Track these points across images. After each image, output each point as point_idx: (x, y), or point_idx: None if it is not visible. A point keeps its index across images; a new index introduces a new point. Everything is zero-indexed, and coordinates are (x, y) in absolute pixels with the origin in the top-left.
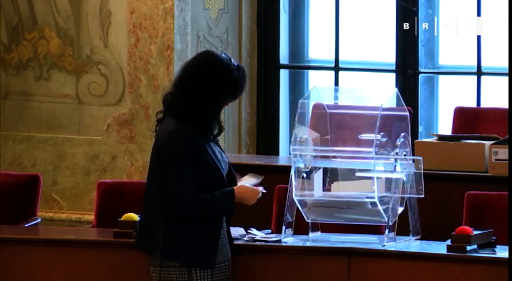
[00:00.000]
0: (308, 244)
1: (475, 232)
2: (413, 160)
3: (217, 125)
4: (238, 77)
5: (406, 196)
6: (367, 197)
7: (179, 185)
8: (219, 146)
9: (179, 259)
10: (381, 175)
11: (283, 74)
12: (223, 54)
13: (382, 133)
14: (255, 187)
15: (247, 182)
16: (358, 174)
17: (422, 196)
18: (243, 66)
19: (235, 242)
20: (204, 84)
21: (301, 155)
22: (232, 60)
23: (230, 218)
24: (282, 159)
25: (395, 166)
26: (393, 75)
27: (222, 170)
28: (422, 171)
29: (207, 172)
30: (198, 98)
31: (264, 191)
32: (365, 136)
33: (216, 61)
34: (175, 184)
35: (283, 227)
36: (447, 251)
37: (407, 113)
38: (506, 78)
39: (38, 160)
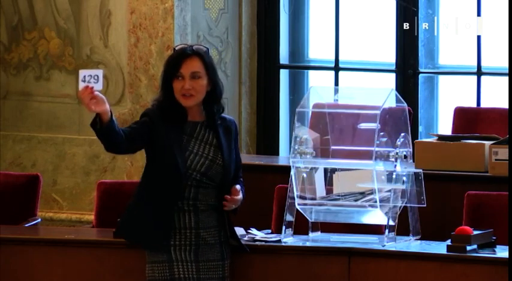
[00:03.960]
0: (308, 244)
1: (475, 232)
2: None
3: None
4: (168, 59)
5: (408, 205)
6: (367, 201)
7: None
8: (221, 146)
9: (129, 237)
10: (380, 168)
11: (283, 74)
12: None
13: (382, 133)
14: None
15: None
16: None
17: (424, 205)
18: (176, 49)
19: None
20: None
21: (301, 155)
22: (180, 46)
23: (231, 218)
24: (282, 159)
25: (395, 165)
26: (393, 75)
27: (177, 160)
28: (423, 181)
29: (160, 154)
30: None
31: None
32: (365, 138)
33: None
34: None
35: (283, 227)
36: (447, 251)
37: (407, 113)
38: (506, 78)
39: (38, 160)
